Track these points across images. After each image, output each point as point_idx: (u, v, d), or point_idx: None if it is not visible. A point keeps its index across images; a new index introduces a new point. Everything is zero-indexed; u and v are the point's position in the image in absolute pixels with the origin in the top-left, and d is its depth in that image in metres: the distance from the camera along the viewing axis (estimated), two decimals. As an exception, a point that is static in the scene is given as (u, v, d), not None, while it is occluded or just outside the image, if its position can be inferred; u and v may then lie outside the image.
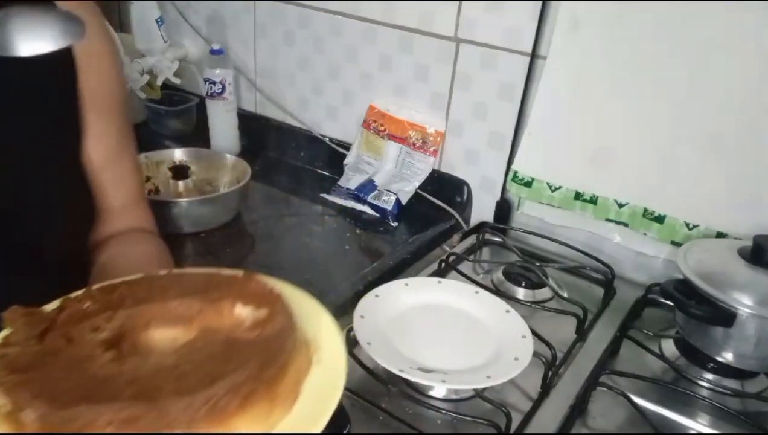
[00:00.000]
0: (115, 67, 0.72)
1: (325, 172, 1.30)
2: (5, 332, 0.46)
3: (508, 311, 0.81)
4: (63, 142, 0.67)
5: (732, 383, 0.77)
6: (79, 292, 0.51)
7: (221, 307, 0.49)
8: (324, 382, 0.46)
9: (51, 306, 0.50)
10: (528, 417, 0.69)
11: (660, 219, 0.94)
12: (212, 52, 1.27)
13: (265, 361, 0.42)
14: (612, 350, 0.82)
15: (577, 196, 1.00)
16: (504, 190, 1.10)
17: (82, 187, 0.69)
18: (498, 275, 0.96)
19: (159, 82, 1.35)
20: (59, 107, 0.66)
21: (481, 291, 0.85)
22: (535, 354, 0.73)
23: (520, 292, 0.93)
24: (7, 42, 0.45)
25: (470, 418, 0.68)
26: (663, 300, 0.90)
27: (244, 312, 0.49)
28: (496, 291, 0.91)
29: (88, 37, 0.66)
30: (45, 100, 0.65)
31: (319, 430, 0.41)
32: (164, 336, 0.49)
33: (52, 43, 0.46)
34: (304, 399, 0.44)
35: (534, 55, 1.00)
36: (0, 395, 0.40)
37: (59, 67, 0.65)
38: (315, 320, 0.50)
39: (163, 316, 0.49)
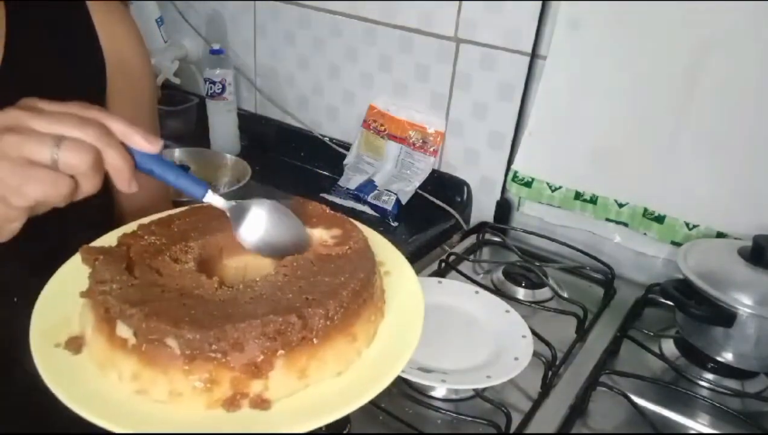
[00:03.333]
0: (146, 74, 0.72)
1: (325, 172, 1.30)
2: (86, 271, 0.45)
3: (508, 311, 0.81)
4: None
5: (732, 383, 0.77)
6: (133, 227, 0.50)
7: None
8: (399, 289, 0.49)
9: (102, 242, 0.50)
10: (528, 417, 0.69)
11: (660, 219, 0.94)
12: (212, 52, 1.27)
13: (369, 270, 0.46)
14: (612, 350, 0.82)
15: (577, 196, 1.00)
16: (504, 190, 1.10)
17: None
18: (498, 275, 0.96)
19: (159, 82, 1.35)
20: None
21: (481, 291, 0.85)
22: (535, 354, 0.73)
23: (520, 292, 0.93)
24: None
25: (470, 418, 0.68)
26: (663, 300, 0.91)
27: (315, 233, 0.50)
28: (496, 291, 0.91)
29: (119, 42, 0.67)
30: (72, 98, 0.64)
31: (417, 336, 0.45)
32: (238, 263, 0.51)
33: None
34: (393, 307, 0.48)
35: (534, 55, 1.00)
36: (125, 329, 0.40)
37: (89, 68, 0.65)
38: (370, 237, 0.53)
39: (234, 243, 0.49)
